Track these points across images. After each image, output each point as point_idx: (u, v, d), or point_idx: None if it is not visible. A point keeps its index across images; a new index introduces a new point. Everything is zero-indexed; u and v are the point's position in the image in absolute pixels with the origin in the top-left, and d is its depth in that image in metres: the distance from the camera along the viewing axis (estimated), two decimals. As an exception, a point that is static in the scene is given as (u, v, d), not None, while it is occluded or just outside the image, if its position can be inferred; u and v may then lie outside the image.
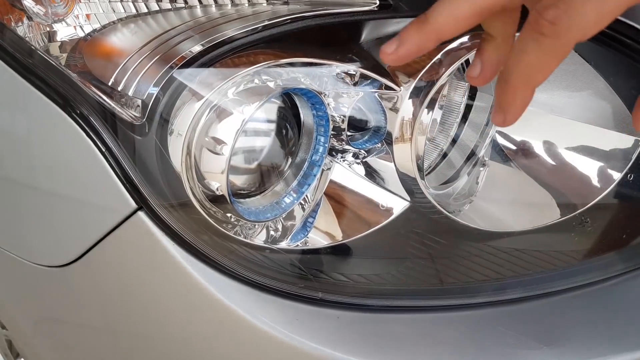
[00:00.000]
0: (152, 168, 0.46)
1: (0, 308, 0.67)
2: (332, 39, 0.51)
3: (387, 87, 0.52)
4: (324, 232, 0.56)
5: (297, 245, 0.52)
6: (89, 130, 0.46)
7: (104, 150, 0.45)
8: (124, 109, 0.47)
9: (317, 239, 0.55)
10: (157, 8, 0.57)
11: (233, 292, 0.47)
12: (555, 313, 0.53)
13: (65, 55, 0.55)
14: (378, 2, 0.48)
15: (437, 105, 0.58)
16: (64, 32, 0.55)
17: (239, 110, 0.45)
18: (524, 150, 0.64)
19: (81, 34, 0.54)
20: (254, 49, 0.47)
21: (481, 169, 0.65)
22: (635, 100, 0.56)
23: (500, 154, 0.65)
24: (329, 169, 0.59)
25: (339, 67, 0.50)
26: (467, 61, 0.60)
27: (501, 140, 0.65)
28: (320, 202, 0.58)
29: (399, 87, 0.52)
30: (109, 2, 0.57)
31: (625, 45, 0.49)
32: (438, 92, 0.55)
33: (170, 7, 0.57)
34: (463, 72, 0.63)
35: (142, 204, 0.46)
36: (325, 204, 0.58)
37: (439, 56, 0.53)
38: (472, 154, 0.66)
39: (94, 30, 0.56)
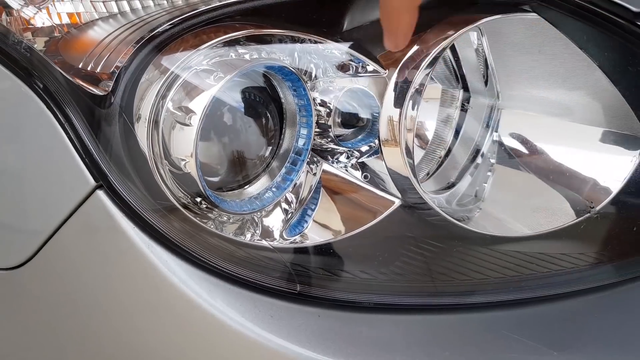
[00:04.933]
0: (116, 143, 0.42)
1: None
2: (317, 19, 0.49)
3: (374, 72, 0.49)
4: (310, 231, 0.51)
5: (274, 239, 0.47)
6: (50, 102, 0.42)
7: (63, 122, 0.42)
8: (88, 84, 0.44)
9: (301, 237, 0.49)
10: (139, 6, 0.55)
11: (199, 282, 0.41)
12: (566, 318, 0.46)
13: (42, 47, 0.53)
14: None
15: (422, 98, 0.55)
16: (41, 24, 0.54)
17: (210, 80, 0.42)
18: (531, 151, 0.60)
19: (60, 30, 0.52)
20: (231, 22, 0.45)
21: (489, 173, 0.60)
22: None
23: (507, 155, 0.61)
24: (314, 173, 0.55)
25: (324, 45, 0.47)
26: (454, 53, 0.58)
27: (508, 142, 0.61)
28: (307, 199, 0.54)
29: (384, 70, 0.49)
30: (91, 2, 0.56)
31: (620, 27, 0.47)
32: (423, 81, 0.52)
33: (152, 3, 0.56)
34: (455, 70, 0.60)
35: (102, 181, 0.41)
36: (315, 200, 0.53)
37: (423, 43, 0.50)
38: (476, 153, 0.62)
39: (73, 25, 0.54)
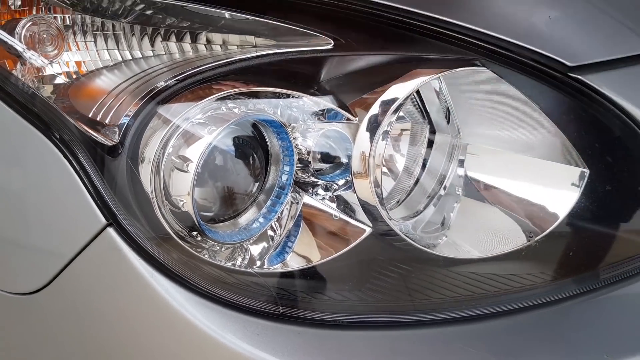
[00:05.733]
0: (123, 186, 0.49)
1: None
2: (296, 76, 0.56)
3: (346, 119, 0.56)
4: (291, 259, 0.58)
5: (257, 266, 0.54)
6: (66, 152, 0.49)
7: (78, 169, 0.49)
8: (99, 134, 0.51)
9: (283, 264, 0.57)
10: (140, 55, 0.62)
11: (196, 306, 0.48)
12: (513, 331, 0.54)
13: (54, 95, 0.60)
14: (333, 43, 0.53)
15: (390, 138, 0.62)
16: (53, 74, 0.60)
17: (205, 132, 0.49)
18: (491, 183, 0.67)
19: (69, 78, 0.59)
20: (224, 81, 0.52)
21: (455, 204, 0.67)
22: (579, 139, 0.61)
23: (471, 187, 0.68)
24: (297, 202, 0.62)
25: (302, 98, 0.55)
26: (419, 95, 0.65)
27: (472, 175, 0.68)
28: (291, 230, 0.61)
29: (355, 117, 0.56)
30: (97, 50, 0.63)
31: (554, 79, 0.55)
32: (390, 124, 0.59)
33: (152, 54, 0.63)
34: (421, 110, 0.68)
35: (112, 220, 0.48)
36: (296, 232, 0.60)
37: (390, 92, 0.57)
38: (441, 184, 0.69)
39: (81, 75, 0.61)
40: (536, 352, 0.55)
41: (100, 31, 0.62)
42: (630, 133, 0.58)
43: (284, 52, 0.54)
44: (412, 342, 0.52)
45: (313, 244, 0.57)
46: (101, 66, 0.61)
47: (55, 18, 0.61)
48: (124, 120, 0.51)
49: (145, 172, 0.50)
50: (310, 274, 0.55)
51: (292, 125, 0.59)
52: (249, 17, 0.55)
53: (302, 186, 0.63)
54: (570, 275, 0.60)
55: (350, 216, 0.60)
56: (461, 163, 0.68)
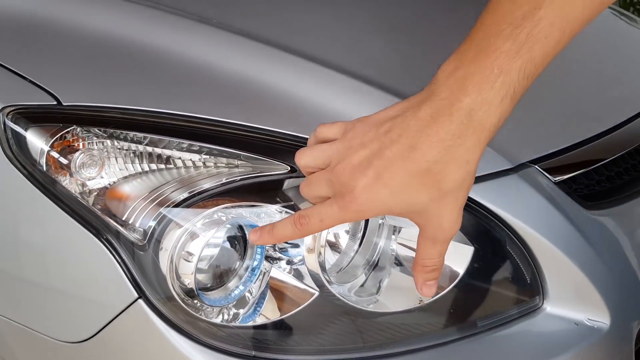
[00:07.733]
0: (149, 271, 0.74)
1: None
2: (265, 191, 0.82)
3: (299, 218, 0.83)
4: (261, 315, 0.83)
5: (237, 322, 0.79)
6: (111, 249, 0.74)
7: (119, 260, 0.73)
8: (132, 234, 0.76)
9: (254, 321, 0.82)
10: (155, 168, 0.88)
11: (197, 352, 0.73)
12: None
13: (93, 198, 0.85)
14: (289, 168, 0.80)
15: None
16: (94, 184, 0.85)
17: (203, 234, 0.74)
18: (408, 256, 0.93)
19: (108, 188, 0.84)
20: (217, 197, 0.78)
21: (387, 278, 0.92)
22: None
23: (399, 260, 0.93)
24: (267, 271, 0.88)
25: (270, 207, 0.81)
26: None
27: (400, 251, 0.93)
28: (262, 294, 0.86)
29: (306, 217, 0.82)
30: (124, 163, 0.88)
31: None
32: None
33: (164, 167, 0.88)
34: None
35: (142, 294, 0.73)
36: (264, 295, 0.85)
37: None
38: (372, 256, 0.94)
39: (112, 183, 0.86)
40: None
41: (128, 151, 0.88)
42: (492, 225, 0.86)
43: (256, 175, 0.80)
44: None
45: (275, 305, 0.82)
46: (130, 178, 0.86)
47: (93, 143, 0.87)
48: (151, 223, 0.76)
49: (163, 260, 0.75)
50: (274, 326, 0.80)
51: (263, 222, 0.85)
52: (231, 150, 0.82)
53: (270, 261, 0.88)
54: (457, 324, 0.86)
55: (303, 283, 0.86)
56: (393, 243, 0.94)
